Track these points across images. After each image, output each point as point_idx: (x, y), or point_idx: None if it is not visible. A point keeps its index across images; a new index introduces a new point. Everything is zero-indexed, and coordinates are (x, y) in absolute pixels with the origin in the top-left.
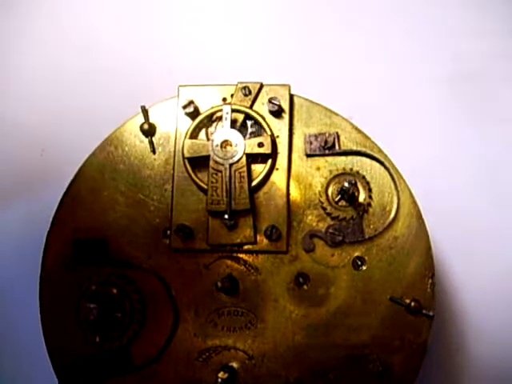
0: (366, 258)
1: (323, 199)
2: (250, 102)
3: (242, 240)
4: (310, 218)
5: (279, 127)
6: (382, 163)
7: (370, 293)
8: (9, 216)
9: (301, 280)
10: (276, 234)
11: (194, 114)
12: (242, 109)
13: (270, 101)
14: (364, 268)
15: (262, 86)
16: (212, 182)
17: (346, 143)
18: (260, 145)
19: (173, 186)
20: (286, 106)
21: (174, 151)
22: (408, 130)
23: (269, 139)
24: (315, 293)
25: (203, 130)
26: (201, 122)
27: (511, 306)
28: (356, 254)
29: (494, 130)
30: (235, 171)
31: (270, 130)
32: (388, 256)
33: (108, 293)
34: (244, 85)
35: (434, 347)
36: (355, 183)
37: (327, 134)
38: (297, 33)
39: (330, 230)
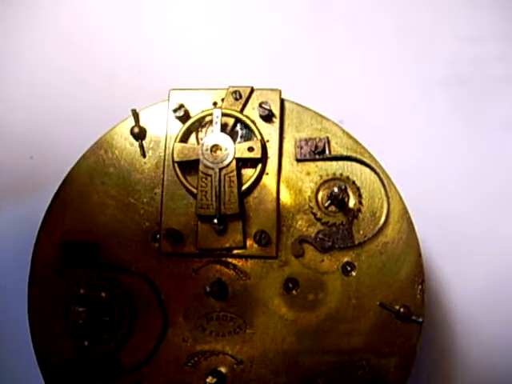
0: (356, 263)
1: (313, 204)
2: (240, 107)
3: (231, 244)
4: (299, 223)
5: (269, 132)
6: (372, 169)
7: (359, 298)
8: None
9: (290, 285)
10: (265, 239)
11: (184, 118)
12: (233, 113)
13: (260, 105)
14: (354, 274)
15: (252, 90)
16: (201, 186)
17: (337, 148)
18: (250, 149)
19: (162, 190)
20: (276, 110)
21: (164, 155)
22: (399, 135)
23: (259, 144)
24: (305, 298)
25: (193, 134)
26: (191, 125)
27: (502, 311)
28: (346, 259)
29: (486, 134)
30: (225, 175)
31: (261, 134)
32: (378, 262)
33: (97, 296)
34: (235, 89)
35: (425, 353)
36: (345, 188)
37: (318, 139)
38: (288, 37)
39: (320, 236)
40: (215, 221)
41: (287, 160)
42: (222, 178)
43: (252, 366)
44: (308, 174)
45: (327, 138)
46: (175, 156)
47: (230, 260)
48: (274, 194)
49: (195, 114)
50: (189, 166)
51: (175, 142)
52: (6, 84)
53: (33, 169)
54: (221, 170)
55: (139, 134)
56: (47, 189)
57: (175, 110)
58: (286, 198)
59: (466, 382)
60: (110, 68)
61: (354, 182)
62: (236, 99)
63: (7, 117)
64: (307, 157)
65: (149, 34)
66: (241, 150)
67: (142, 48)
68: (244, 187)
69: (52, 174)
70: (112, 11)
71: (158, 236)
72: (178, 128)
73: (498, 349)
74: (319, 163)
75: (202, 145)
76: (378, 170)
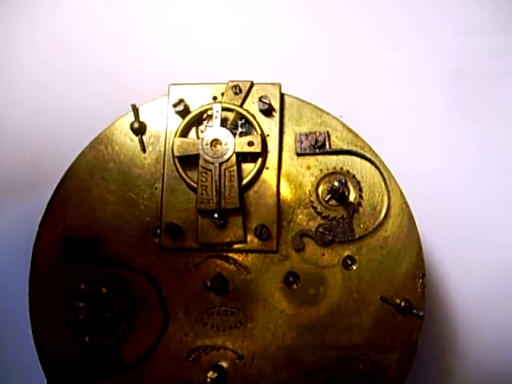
0: (357, 257)
1: (313, 198)
2: (240, 101)
3: (231, 239)
4: (300, 217)
5: (270, 126)
6: (372, 163)
7: (360, 293)
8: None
9: (291, 279)
10: (266, 234)
11: (184, 113)
12: (233, 107)
13: (260, 99)
14: (354, 268)
15: (252, 84)
16: (202, 181)
17: (337, 142)
18: (250, 143)
19: (163, 185)
20: (276, 104)
21: (164, 150)
22: (400, 129)
23: (259, 138)
24: (305, 292)
25: (193, 129)
26: (191, 120)
27: (503, 306)
28: (346, 253)
29: (488, 129)
30: (225, 170)
31: (261, 128)
32: (378, 256)
33: (97, 292)
34: (235, 83)
35: (426, 348)
36: (345, 182)
37: (318, 133)
38: (288, 31)
39: (320, 230)
40: (215, 215)
41: (287, 154)
42: (222, 172)
43: (253, 361)
44: (308, 168)
45: (327, 132)
46: (175, 151)
47: (230, 255)
48: (275, 189)
49: (195, 109)
50: (189, 161)
51: (175, 136)
52: (5, 84)
53: (32, 168)
54: (221, 164)
55: (139, 129)
56: (47, 188)
57: (175, 105)
58: (287, 192)
59: (467, 378)
60: (109, 66)
61: (354, 176)
62: (236, 93)
63: (7, 116)
64: (307, 151)
65: (148, 30)
66: (241, 144)
67: (141, 44)
68: (244, 182)
69: (52, 173)
70: (111, 9)
71: (159, 231)
72: (178, 123)
73: (499, 344)
74: (319, 157)
75: (202, 139)
76: (378, 164)
